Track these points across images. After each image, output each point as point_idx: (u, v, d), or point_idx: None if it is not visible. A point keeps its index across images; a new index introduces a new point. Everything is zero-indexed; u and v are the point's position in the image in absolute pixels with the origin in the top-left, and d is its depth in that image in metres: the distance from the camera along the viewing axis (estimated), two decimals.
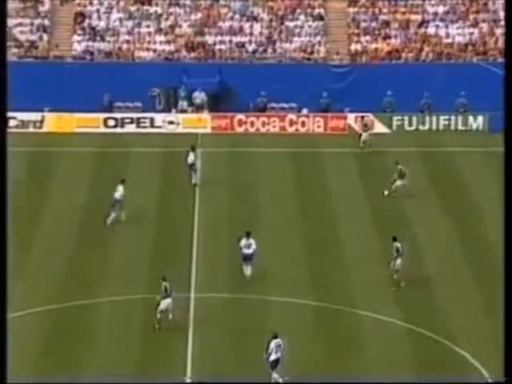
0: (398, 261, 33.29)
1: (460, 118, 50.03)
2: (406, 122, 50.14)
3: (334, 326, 31.20)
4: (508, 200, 27.93)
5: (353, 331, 30.81)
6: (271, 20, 53.35)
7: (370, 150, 46.46)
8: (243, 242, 34.12)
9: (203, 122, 49.93)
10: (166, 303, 30.42)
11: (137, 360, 28.88)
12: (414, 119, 50.16)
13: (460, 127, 50.04)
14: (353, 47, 52.80)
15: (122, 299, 32.14)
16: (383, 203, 40.57)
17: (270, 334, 27.81)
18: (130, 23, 52.71)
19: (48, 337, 30.15)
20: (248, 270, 34.11)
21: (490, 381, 27.61)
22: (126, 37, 52.32)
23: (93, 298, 32.27)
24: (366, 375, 28.22)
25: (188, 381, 27.83)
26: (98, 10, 53.11)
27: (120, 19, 52.85)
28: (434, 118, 50.10)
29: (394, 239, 33.52)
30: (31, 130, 49.14)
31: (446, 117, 50.06)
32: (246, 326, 30.58)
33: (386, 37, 53.02)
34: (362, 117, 48.31)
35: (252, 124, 50.05)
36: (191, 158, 41.96)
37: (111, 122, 49.50)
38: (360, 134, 47.12)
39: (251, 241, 34.08)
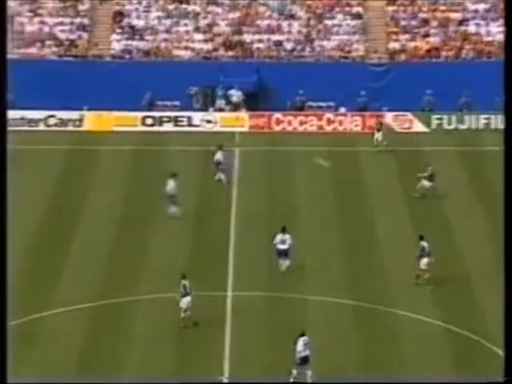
0: (425, 260, 33.09)
1: (500, 117, 49.53)
2: (445, 121, 49.79)
3: (371, 325, 31.03)
4: (508, 200, 27.71)
5: (390, 331, 30.63)
6: (309, 18, 53.24)
7: (383, 148, 46.22)
8: (278, 237, 34.05)
9: (241, 121, 49.95)
10: (185, 301, 30.40)
11: (173, 359, 28.89)
12: (454, 118, 49.77)
13: (500, 126, 49.51)
14: (391, 46, 52.52)
15: (160, 297, 32.12)
16: (421, 202, 40.30)
17: (305, 332, 27.77)
18: (168, 22, 52.88)
19: (86, 335, 30.25)
20: (284, 266, 34.02)
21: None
22: (165, 35, 52.49)
23: (131, 296, 32.33)
24: (403, 375, 28.01)
25: (225, 381, 27.76)
26: (136, 9, 53.36)
27: (158, 18, 53.04)
28: (474, 117, 49.67)
29: (421, 238, 33.34)
30: (71, 128, 49.47)
31: (486, 116, 49.61)
32: (282, 325, 30.45)
33: (426, 35, 52.67)
34: (378, 116, 48.24)
35: (289, 123, 49.96)
36: (218, 156, 41.95)
37: (149, 121, 49.68)
38: (373, 133, 46.96)
39: (287, 236, 33.99)
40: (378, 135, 46.50)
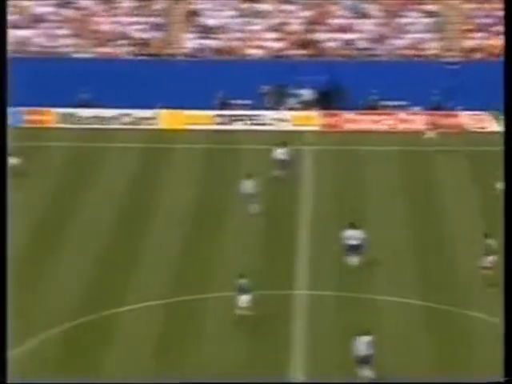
0: (490, 258, 32.65)
1: None
2: None
3: (440, 326, 30.70)
4: (508, 200, 27.10)
5: (460, 332, 30.29)
6: (382, 17, 52.98)
7: (435, 148, 45.74)
8: (348, 233, 33.94)
9: (312, 120, 49.97)
10: (243, 300, 30.38)
11: (243, 357, 28.90)
12: None
13: None
14: (466, 44, 51.94)
15: (231, 295, 32.19)
16: (495, 202, 39.76)
17: (376, 333, 27.65)
18: (240, 21, 53.17)
19: (157, 332, 30.33)
20: (354, 262, 33.86)
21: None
22: (237, 34, 52.78)
23: (202, 294, 32.54)
24: (471, 376, 27.69)
25: (295, 381, 27.72)
26: (209, 8, 53.76)
27: (231, 17, 53.35)
28: None
29: (486, 236, 32.90)
30: (144, 126, 50.03)
31: None
32: (351, 324, 30.15)
33: (501, 33, 51.90)
34: (431, 115, 47.64)
35: (361, 122, 49.78)
36: (281, 153, 41.91)
37: (221, 119, 50.02)
38: (423, 133, 46.45)
39: (357, 231, 33.84)
40: (430, 134, 46.15)
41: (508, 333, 24.82)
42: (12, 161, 42.35)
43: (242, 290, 30.59)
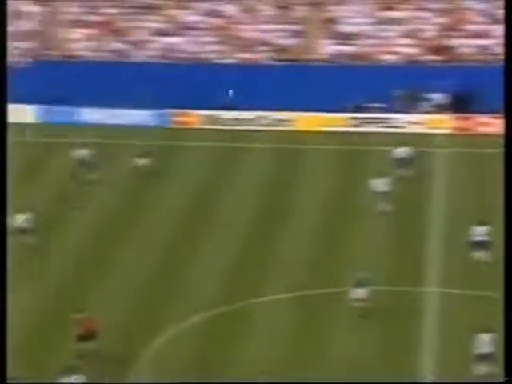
0: None
1: None
2: None
3: None
4: (508, 200, 27.01)
5: None
6: None
7: None
8: (475, 229, 34.47)
9: (445, 123, 50.78)
10: (357, 293, 30.90)
11: (368, 355, 29.23)
12: None
13: None
14: None
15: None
16: None
17: (490, 329, 27.91)
18: (375, 28, 54.17)
19: (284, 326, 31.06)
20: (481, 258, 34.21)
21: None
22: (372, 40, 53.85)
23: (332, 288, 33.28)
24: None
25: (428, 381, 27.80)
26: (346, 16, 54.89)
27: (366, 24, 54.42)
28: None
29: None
30: (282, 128, 51.51)
31: None
32: (478, 323, 29.62)
33: None
34: None
35: (494, 125, 50.18)
36: (402, 152, 42.98)
37: (355, 122, 51.31)
38: None
39: (485, 228, 34.28)
40: None
41: (508, 332, 24.52)
42: (140, 161, 44.50)
43: (361, 284, 31.18)
